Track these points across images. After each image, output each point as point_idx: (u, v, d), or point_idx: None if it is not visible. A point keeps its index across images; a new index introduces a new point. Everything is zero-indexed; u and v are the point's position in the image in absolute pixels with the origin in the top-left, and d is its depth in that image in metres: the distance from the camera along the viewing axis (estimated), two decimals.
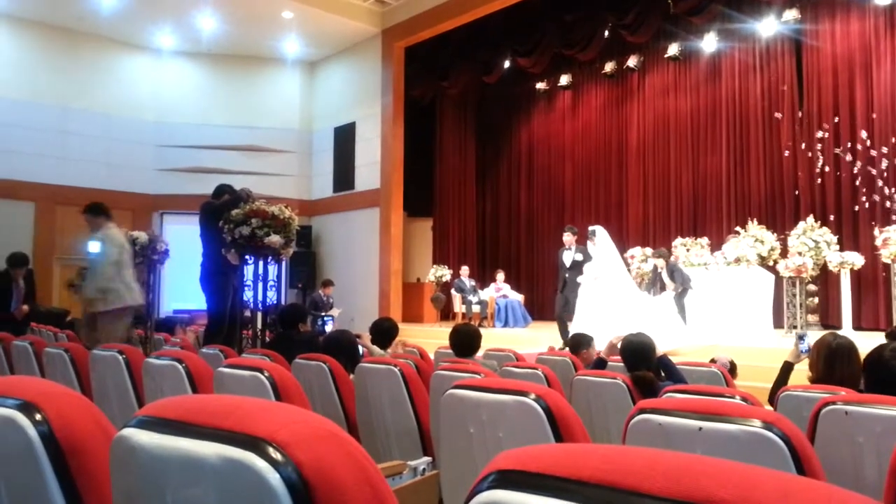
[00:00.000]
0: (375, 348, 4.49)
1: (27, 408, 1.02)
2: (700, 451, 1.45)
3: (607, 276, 7.92)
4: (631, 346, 3.34)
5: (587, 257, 8.32)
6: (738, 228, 9.48)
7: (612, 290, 7.81)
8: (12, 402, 1.05)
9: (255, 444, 0.71)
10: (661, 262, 9.10)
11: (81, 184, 12.52)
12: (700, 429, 1.47)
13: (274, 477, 0.69)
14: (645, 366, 3.19)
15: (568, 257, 8.68)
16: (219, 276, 5.90)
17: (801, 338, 3.57)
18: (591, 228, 8.37)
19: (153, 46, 13.48)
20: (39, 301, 10.25)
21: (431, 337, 9.84)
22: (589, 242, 8.25)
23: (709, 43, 11.57)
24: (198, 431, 0.77)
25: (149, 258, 6.34)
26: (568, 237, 8.79)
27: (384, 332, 4.60)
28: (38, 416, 1.01)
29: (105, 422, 1.06)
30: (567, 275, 8.60)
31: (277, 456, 0.70)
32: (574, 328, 7.46)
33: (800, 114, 10.63)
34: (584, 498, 0.58)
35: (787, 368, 3.50)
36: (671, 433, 1.52)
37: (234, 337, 5.84)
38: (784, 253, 8.80)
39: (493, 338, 9.02)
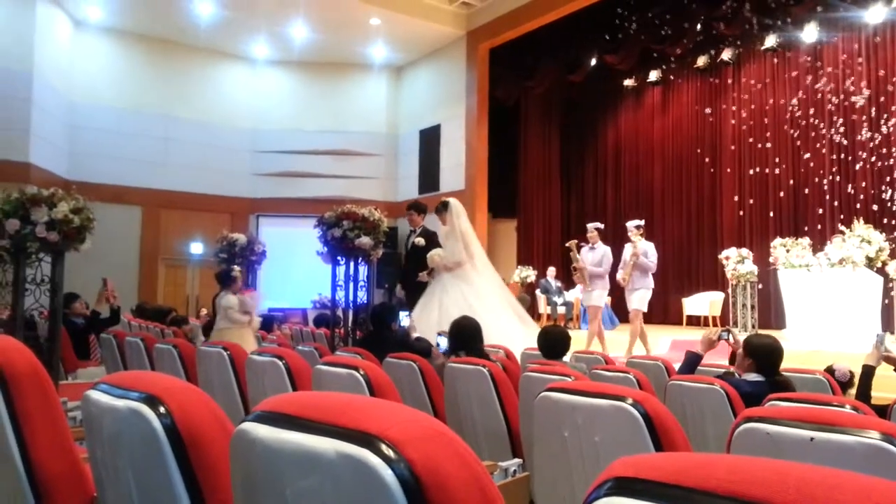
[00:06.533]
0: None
1: (151, 401, 1.09)
2: (812, 463, 1.38)
3: (461, 262, 6.43)
4: (767, 348, 3.13)
5: (432, 241, 6.76)
6: (842, 228, 8.94)
7: (466, 281, 6.38)
8: (137, 394, 1.12)
9: (368, 440, 0.74)
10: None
11: (183, 188, 13.22)
12: (812, 439, 1.40)
13: (388, 473, 0.71)
14: (777, 369, 3.06)
15: (410, 243, 6.93)
16: None
17: (881, 340, 3.41)
18: (442, 200, 6.80)
19: (248, 56, 14.07)
20: (146, 299, 10.90)
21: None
22: (438, 220, 6.71)
23: (809, 33, 10.98)
24: (314, 427, 0.80)
25: (247, 259, 6.60)
26: (413, 216, 6.87)
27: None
28: (161, 409, 1.07)
29: (222, 416, 1.11)
30: (408, 265, 6.94)
31: (390, 453, 0.72)
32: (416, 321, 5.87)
33: None
34: None
35: (868, 372, 3.28)
36: (780, 443, 1.45)
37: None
38: (894, 254, 8.26)
39: (578, 340, 8.85)
